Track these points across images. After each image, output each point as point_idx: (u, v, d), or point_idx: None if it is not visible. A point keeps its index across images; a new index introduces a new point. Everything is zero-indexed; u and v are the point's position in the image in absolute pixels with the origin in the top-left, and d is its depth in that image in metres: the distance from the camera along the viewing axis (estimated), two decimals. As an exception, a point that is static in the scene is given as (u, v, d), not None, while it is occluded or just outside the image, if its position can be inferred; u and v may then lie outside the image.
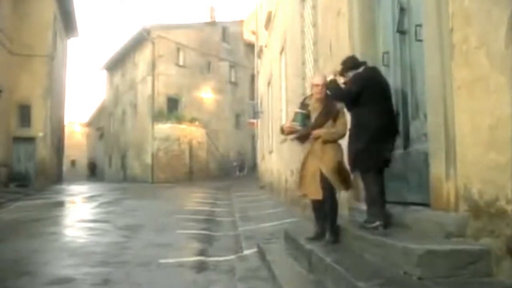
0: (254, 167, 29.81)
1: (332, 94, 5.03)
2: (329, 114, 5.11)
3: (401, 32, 4.91)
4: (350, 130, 4.90)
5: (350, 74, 4.92)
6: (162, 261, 6.12)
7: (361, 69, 4.92)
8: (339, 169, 4.99)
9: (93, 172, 39.23)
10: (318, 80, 5.24)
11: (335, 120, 5.08)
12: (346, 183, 5.10)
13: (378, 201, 4.56)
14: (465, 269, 3.15)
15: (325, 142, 5.05)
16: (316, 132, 5.09)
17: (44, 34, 23.47)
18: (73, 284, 4.96)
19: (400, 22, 4.90)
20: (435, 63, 3.82)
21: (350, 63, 5.01)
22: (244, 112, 33.87)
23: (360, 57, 5.69)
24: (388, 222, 4.46)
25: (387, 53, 5.30)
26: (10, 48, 21.59)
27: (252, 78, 29.96)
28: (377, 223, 4.40)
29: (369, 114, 4.58)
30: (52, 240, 7.78)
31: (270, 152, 16.67)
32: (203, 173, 30.77)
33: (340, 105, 5.08)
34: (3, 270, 5.55)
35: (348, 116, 5.10)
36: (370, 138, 4.54)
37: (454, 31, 3.54)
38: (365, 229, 4.46)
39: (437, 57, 3.78)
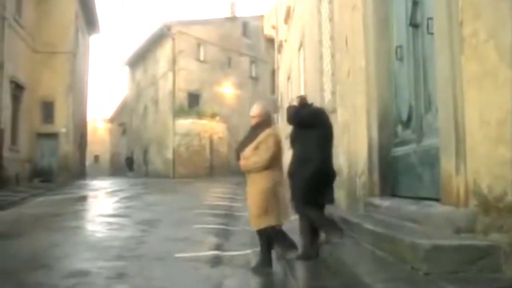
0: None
1: (289, 114, 5.46)
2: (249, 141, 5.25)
3: (414, 25, 4.85)
4: (294, 163, 5.25)
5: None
6: (177, 255, 6.17)
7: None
8: (263, 200, 5.14)
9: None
10: (254, 112, 5.36)
11: (258, 148, 5.13)
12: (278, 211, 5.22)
13: (308, 233, 5.01)
14: (473, 264, 3.11)
15: (249, 171, 5.22)
16: (240, 163, 5.29)
17: (66, 31, 23.76)
18: (89, 277, 5.05)
19: (413, 15, 4.83)
20: (446, 57, 3.77)
21: (304, 100, 5.49)
22: (265, 107, 33.72)
23: (374, 51, 5.72)
24: (315, 254, 4.89)
25: (400, 47, 5.25)
26: (33, 46, 21.94)
27: (273, 73, 29.89)
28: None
29: (316, 150, 4.97)
30: (71, 234, 7.92)
31: (289, 148, 16.59)
32: (223, 168, 30.79)
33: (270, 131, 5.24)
34: (21, 264, 5.67)
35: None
36: (312, 174, 4.93)
37: (464, 24, 3.49)
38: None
39: (447, 50, 3.72)
